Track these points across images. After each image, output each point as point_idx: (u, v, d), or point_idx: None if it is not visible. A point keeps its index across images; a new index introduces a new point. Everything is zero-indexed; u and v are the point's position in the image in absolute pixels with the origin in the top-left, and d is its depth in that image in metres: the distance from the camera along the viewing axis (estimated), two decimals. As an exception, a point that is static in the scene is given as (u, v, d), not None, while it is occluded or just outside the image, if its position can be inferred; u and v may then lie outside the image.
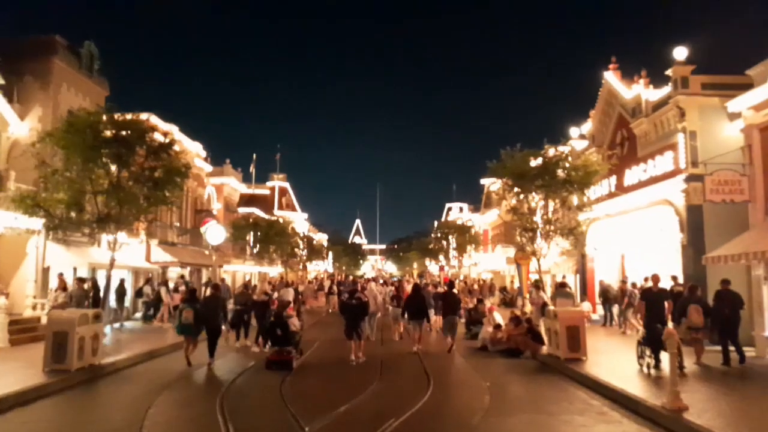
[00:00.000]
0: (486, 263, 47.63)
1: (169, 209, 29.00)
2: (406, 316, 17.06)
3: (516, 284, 36.06)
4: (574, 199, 18.15)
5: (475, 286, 37.75)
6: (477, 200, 66.51)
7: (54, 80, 20.77)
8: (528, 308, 19.10)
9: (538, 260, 17.28)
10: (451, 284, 20.27)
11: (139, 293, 25.07)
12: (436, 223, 70.89)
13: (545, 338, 16.20)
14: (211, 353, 13.73)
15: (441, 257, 54.01)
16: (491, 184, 51.30)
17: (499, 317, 20.87)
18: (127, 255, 25.62)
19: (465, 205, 70.89)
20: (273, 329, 13.74)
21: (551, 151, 17.87)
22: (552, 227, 16.75)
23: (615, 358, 14.47)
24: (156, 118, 27.43)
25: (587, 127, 25.82)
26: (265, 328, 15.12)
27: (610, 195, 22.10)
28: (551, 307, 15.81)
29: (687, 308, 13.08)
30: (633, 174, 21.27)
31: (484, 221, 51.03)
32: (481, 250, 49.73)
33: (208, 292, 15.28)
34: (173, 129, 29.68)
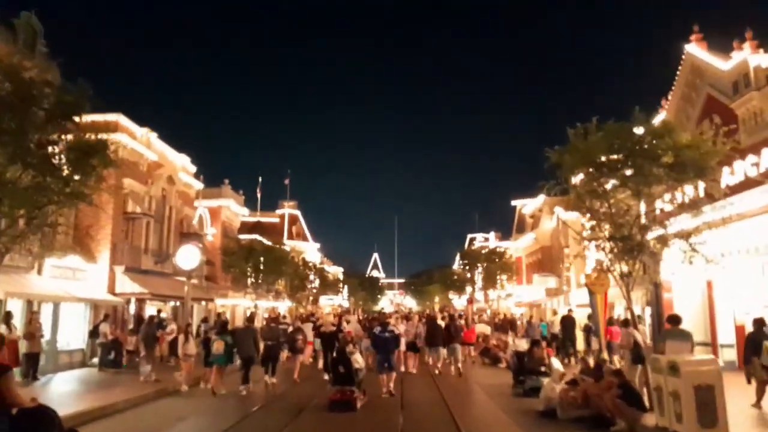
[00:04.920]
0: (520, 295, 41.83)
1: (138, 229, 24.05)
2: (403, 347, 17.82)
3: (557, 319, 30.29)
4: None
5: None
6: (503, 228, 61.13)
7: (-27, 55, 16.12)
8: (605, 354, 13.64)
9: (627, 287, 11.86)
10: (452, 317, 21.27)
11: (94, 333, 19.93)
12: (458, 254, 65.23)
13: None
14: (245, 380, 14.46)
15: (468, 289, 48.26)
16: (523, 206, 46.06)
17: (558, 365, 15.51)
18: (83, 285, 20.69)
19: (491, 234, 65.07)
20: (335, 366, 12.83)
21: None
22: (656, 235, 11.30)
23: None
24: (126, 120, 22.83)
25: (659, 119, 20.37)
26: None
27: (694, 203, 16.61)
28: (660, 356, 10.35)
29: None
30: (733, 171, 15.88)
31: (516, 248, 45.36)
32: (514, 281, 43.91)
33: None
34: (150, 135, 25.03)
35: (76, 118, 9.99)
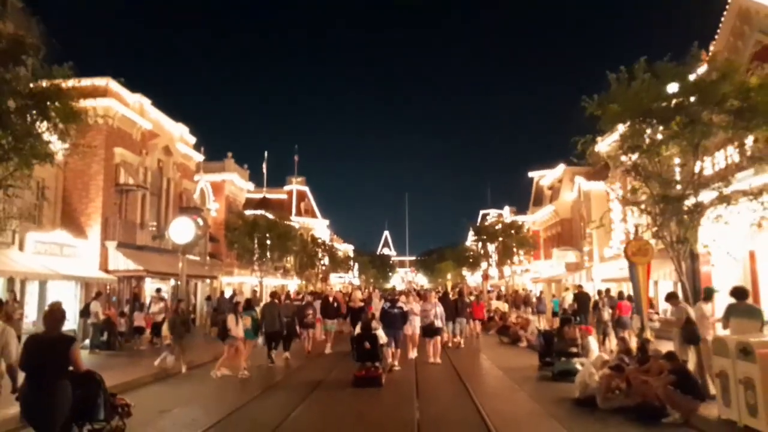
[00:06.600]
0: (538, 271, 40.15)
1: (132, 202, 22.55)
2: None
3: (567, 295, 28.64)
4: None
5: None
6: (517, 204, 59.35)
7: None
8: (649, 333, 12.00)
9: (678, 257, 10.15)
10: (461, 292, 21.76)
11: (85, 312, 18.59)
12: (471, 229, 63.37)
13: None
14: (283, 349, 15.61)
15: (483, 265, 46.57)
16: (541, 177, 44.10)
17: (596, 346, 13.97)
18: (72, 262, 19.29)
19: (505, 210, 63.00)
20: (361, 342, 12.61)
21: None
22: (722, 192, 9.52)
23: None
24: (117, 85, 21.19)
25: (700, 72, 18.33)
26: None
27: (733, 167, 14.52)
28: (725, 336, 8.72)
29: None
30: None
31: (533, 222, 43.52)
32: (531, 256, 42.14)
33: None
34: (143, 101, 23.41)
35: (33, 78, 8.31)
